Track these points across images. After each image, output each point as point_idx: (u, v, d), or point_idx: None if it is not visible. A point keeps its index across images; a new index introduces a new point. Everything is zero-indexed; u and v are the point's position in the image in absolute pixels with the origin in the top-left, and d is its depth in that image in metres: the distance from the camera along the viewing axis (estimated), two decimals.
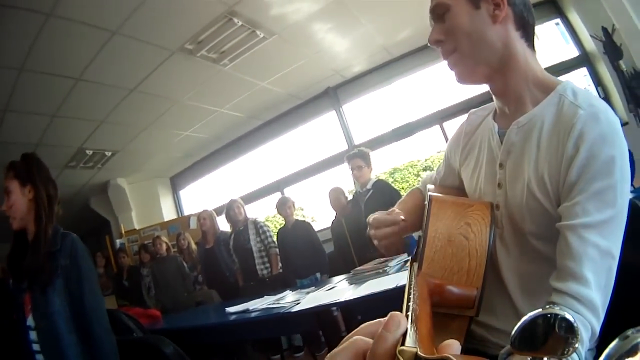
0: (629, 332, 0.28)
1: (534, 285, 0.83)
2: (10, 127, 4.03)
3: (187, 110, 4.87)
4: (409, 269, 0.84)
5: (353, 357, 0.34)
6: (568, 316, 0.35)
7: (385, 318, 0.35)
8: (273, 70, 4.56)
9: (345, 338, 0.38)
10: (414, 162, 8.46)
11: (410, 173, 8.45)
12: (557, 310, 0.35)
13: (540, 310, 0.35)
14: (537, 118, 0.82)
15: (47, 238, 1.45)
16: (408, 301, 0.58)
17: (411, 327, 0.39)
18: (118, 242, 6.41)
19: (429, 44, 0.91)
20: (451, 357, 0.28)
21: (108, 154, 5.40)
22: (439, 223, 0.76)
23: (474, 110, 1.06)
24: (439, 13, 0.88)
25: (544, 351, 0.36)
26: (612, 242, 0.70)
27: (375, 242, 0.96)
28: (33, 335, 1.38)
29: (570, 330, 0.35)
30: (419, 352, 0.30)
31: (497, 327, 0.87)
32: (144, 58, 3.61)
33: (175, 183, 7.31)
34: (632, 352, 0.27)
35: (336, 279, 2.93)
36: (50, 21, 2.83)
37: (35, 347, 1.38)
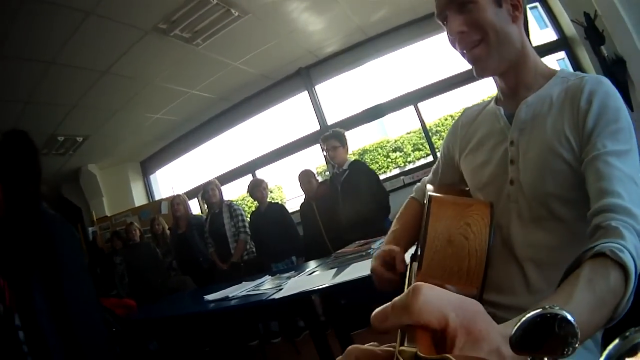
0: (629, 332, 0.27)
1: (549, 258, 0.86)
2: None
3: (159, 92, 4.74)
4: (408, 268, 0.84)
5: None
6: (568, 316, 0.35)
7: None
8: (246, 49, 4.47)
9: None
10: (383, 143, 8.45)
11: (379, 154, 8.43)
12: (557, 310, 0.35)
13: (540, 310, 0.35)
14: (546, 95, 0.90)
15: (15, 223, 1.19)
16: None
17: None
18: (90, 230, 6.25)
19: (450, 36, 0.90)
20: (451, 357, 0.28)
21: (79, 139, 5.23)
22: (438, 223, 0.77)
23: (468, 107, 1.12)
24: (459, 3, 0.86)
25: (544, 351, 0.36)
26: (633, 171, 0.75)
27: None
28: (22, 335, 1.15)
29: (570, 330, 0.35)
30: (418, 353, 0.31)
31: (506, 304, 0.89)
32: (117, 39, 3.48)
33: (146, 167, 7.13)
34: (632, 352, 0.26)
35: (316, 262, 2.86)
36: (25, 6, 2.70)
37: (25, 348, 1.14)
